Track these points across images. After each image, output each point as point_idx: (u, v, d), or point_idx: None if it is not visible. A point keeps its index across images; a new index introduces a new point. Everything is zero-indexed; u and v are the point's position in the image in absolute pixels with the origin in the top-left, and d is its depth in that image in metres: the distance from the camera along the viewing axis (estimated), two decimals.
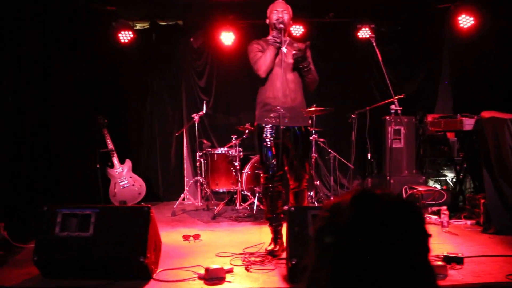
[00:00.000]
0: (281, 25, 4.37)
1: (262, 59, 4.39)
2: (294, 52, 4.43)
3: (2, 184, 5.21)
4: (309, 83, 4.61)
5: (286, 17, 4.49)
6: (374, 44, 5.15)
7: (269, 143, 4.44)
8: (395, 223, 1.01)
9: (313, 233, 1.08)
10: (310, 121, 4.76)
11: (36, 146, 5.79)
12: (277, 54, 4.40)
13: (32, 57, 5.80)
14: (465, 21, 6.85)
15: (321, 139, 7.01)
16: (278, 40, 4.37)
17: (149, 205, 3.89)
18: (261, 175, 4.64)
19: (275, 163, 4.41)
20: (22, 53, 5.62)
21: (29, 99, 5.77)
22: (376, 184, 7.21)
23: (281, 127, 4.38)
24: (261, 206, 6.35)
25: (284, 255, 4.21)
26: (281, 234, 4.48)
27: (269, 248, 4.45)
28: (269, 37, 4.49)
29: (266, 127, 4.46)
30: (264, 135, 4.46)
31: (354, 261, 0.98)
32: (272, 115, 4.42)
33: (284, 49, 4.41)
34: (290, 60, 4.45)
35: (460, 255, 3.97)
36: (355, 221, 1.01)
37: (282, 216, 4.47)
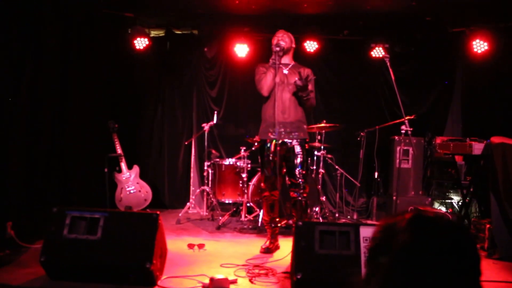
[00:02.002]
0: (277, 48, 4.87)
1: (263, 80, 4.94)
2: (296, 80, 4.79)
3: (12, 184, 5.24)
4: (304, 106, 5.07)
5: (285, 40, 5.01)
6: (388, 64, 5.17)
7: (268, 156, 5.00)
8: (453, 248, 1.02)
9: (367, 252, 1.11)
10: (307, 137, 5.13)
11: (49, 148, 5.83)
12: (276, 74, 4.85)
13: (51, 61, 5.86)
14: (479, 46, 6.87)
15: (329, 156, 7.03)
16: (277, 62, 4.83)
17: (158, 212, 3.92)
18: (261, 184, 5.23)
19: (272, 174, 4.97)
20: (42, 57, 5.68)
21: (47, 102, 5.83)
22: (382, 203, 7.21)
23: (279, 141, 4.87)
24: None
25: (288, 268, 4.23)
26: (275, 235, 5.17)
27: (264, 246, 5.06)
28: (270, 60, 5.04)
29: (266, 142, 5.03)
30: (264, 149, 5.04)
31: (408, 283, 1.00)
32: (271, 130, 4.93)
33: (285, 71, 4.98)
34: (291, 81, 4.90)
35: None
36: (413, 245, 1.02)
37: (277, 220, 5.19)
